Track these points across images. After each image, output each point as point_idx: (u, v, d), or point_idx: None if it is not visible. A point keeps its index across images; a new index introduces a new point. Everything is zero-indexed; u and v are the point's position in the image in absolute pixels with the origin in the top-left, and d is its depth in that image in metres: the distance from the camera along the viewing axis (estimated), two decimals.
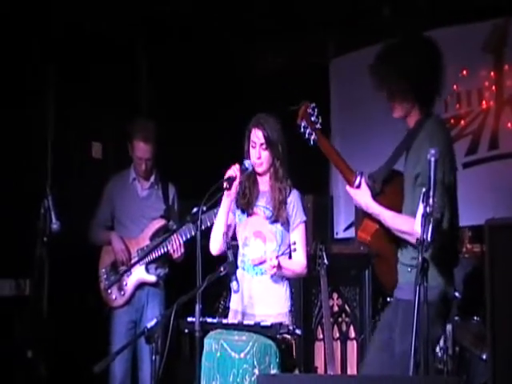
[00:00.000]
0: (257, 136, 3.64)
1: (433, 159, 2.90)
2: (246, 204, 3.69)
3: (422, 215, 2.84)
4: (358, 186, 3.25)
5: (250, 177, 3.70)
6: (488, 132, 5.17)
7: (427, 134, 3.19)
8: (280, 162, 3.66)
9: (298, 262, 3.70)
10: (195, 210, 3.47)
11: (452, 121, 5.31)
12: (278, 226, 3.67)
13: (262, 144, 3.63)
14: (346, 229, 5.71)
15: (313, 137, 3.49)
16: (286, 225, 3.67)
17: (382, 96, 3.28)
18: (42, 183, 4.70)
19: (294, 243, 3.66)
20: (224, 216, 3.67)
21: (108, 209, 4.62)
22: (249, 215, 3.71)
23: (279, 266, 3.54)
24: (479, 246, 4.90)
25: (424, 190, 2.87)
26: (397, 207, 3.23)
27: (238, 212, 3.73)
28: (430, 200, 2.84)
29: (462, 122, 5.29)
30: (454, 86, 5.28)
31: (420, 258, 2.80)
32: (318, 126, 3.49)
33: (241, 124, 3.76)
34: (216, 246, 3.69)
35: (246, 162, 3.62)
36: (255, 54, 5.92)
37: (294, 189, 3.73)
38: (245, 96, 5.59)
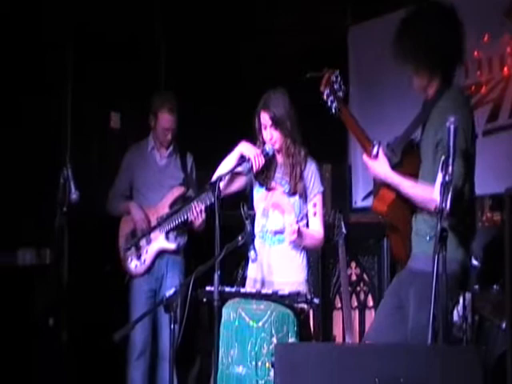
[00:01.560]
0: (264, 119, 3.67)
1: (452, 127, 2.85)
2: (264, 179, 3.73)
3: (441, 184, 2.80)
4: (376, 156, 3.20)
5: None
6: (509, 99, 5.06)
7: (448, 103, 3.13)
8: (290, 139, 3.68)
9: (315, 232, 3.70)
10: (214, 179, 3.48)
11: (473, 88, 5.22)
12: (296, 198, 3.69)
13: (271, 125, 3.66)
14: (365, 198, 5.66)
15: (335, 105, 3.42)
16: (304, 197, 3.69)
17: (404, 68, 3.22)
18: (61, 154, 4.72)
19: (314, 214, 3.66)
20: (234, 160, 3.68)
21: (126, 178, 4.64)
22: (267, 189, 3.74)
23: (299, 233, 3.53)
24: (499, 214, 4.84)
25: (443, 157, 2.82)
26: (415, 177, 3.19)
27: (257, 186, 3.76)
28: (449, 168, 2.80)
29: (483, 89, 5.19)
30: (475, 53, 5.18)
31: (439, 227, 2.77)
32: (341, 94, 3.42)
33: (260, 97, 3.75)
34: (221, 171, 3.68)
35: (267, 147, 3.67)
36: (274, 25, 5.83)
37: (310, 160, 3.74)
38: (262, 68, 5.52)
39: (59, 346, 3.82)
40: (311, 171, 3.71)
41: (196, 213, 4.29)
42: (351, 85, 5.89)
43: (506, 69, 5.10)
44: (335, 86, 3.43)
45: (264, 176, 3.73)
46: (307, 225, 3.71)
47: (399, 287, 3.26)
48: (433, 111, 3.17)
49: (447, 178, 2.80)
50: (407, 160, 3.23)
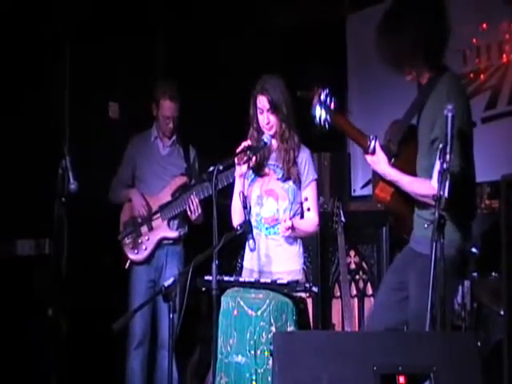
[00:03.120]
0: (263, 102, 3.65)
1: (450, 114, 2.84)
2: (257, 166, 3.72)
3: (439, 171, 2.80)
4: (373, 152, 3.18)
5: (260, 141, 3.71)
6: (508, 86, 5.06)
7: (441, 92, 3.11)
8: (286, 124, 3.67)
9: (310, 220, 3.70)
10: (211, 168, 3.47)
11: (471, 75, 5.21)
12: (290, 184, 3.68)
13: (268, 109, 3.65)
14: (364, 186, 5.67)
15: (324, 117, 3.32)
16: (298, 183, 3.68)
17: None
18: (59, 144, 4.69)
19: (306, 200, 3.65)
20: (240, 187, 3.70)
21: (129, 167, 4.64)
22: (260, 176, 3.73)
23: (292, 228, 3.54)
24: (498, 201, 4.84)
25: (441, 146, 2.81)
26: (414, 165, 3.18)
27: (250, 173, 3.74)
28: (447, 156, 2.79)
29: (482, 76, 5.18)
30: (474, 40, 5.17)
31: (437, 214, 2.76)
32: (333, 106, 3.36)
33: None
34: (237, 218, 3.72)
35: (265, 137, 3.64)
36: (272, 10, 5.80)
37: (303, 147, 3.73)
38: (261, 55, 5.49)
39: (59, 335, 3.82)
40: (305, 158, 3.71)
41: (193, 207, 4.29)
42: (350, 73, 5.89)
43: (504, 56, 5.09)
44: (326, 101, 3.35)
45: (257, 163, 3.71)
46: (302, 213, 3.69)
47: (402, 264, 3.27)
48: (427, 100, 3.15)
49: (445, 166, 2.79)
50: (406, 149, 3.22)
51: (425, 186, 3.05)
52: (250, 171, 3.73)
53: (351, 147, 5.73)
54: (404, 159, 3.20)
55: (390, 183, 3.20)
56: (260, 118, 3.69)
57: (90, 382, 4.58)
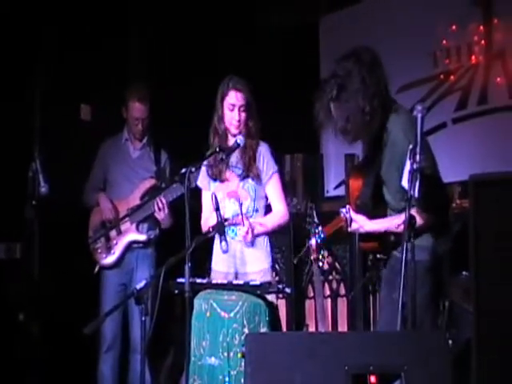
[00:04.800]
0: (236, 98, 3.65)
1: (419, 115, 2.86)
2: (217, 173, 3.72)
3: (409, 171, 2.82)
4: (351, 221, 3.20)
5: (223, 138, 3.70)
6: (477, 87, 5.11)
7: (394, 138, 3.10)
8: (254, 121, 3.69)
9: (278, 213, 3.70)
10: (184, 170, 3.44)
11: (442, 76, 5.25)
12: (250, 181, 3.69)
13: (241, 106, 3.65)
14: (337, 187, 5.68)
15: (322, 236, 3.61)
16: (258, 179, 3.68)
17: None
18: (29, 146, 4.65)
19: (273, 194, 3.67)
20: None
21: (101, 170, 4.62)
22: (221, 181, 3.74)
23: (252, 231, 3.55)
24: (468, 201, 4.87)
25: (411, 146, 2.83)
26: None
27: (210, 181, 3.76)
28: (417, 156, 2.81)
29: (452, 77, 5.23)
30: (444, 41, 5.21)
31: (407, 214, 2.79)
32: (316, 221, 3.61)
33: None
34: (207, 224, 3.71)
35: (238, 138, 3.58)
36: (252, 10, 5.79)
37: (261, 142, 3.74)
38: (237, 55, 5.48)
39: (30, 340, 3.79)
40: (263, 152, 3.71)
41: (159, 206, 4.27)
42: (322, 75, 5.89)
43: (473, 57, 5.14)
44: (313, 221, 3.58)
45: (217, 170, 3.72)
46: (266, 208, 3.70)
47: (386, 275, 3.30)
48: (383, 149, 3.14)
49: (415, 166, 2.81)
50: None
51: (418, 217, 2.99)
52: (210, 179, 3.75)
53: (324, 148, 5.75)
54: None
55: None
56: (229, 114, 3.67)
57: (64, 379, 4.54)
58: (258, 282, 3.42)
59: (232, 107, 3.66)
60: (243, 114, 3.67)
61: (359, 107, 3.07)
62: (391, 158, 3.13)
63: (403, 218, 2.89)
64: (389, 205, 3.23)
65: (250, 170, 3.67)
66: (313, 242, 3.76)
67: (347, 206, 3.23)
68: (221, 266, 3.74)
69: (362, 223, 3.21)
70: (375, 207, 3.24)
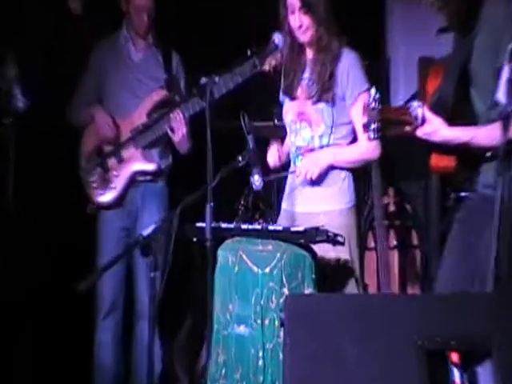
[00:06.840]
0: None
1: None
2: (289, 86, 3.84)
3: (508, 80, 2.77)
4: (423, 122, 3.15)
5: (294, 49, 3.82)
6: None
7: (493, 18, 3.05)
8: (324, 27, 3.73)
9: (363, 145, 3.71)
10: (203, 80, 3.48)
11: None
12: (323, 105, 3.75)
13: (300, 8, 3.71)
14: (407, 101, 5.66)
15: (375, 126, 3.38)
16: (339, 101, 3.75)
17: None
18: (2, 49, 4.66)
19: (357, 121, 3.67)
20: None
21: (93, 81, 4.65)
22: (292, 99, 3.85)
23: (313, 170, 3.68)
24: None
25: (510, 46, 2.77)
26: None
27: (282, 96, 3.91)
28: None
29: None
30: None
31: (503, 138, 2.75)
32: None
33: None
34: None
35: (276, 37, 3.69)
36: None
37: (346, 50, 3.77)
38: None
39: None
40: (347, 65, 3.75)
41: (176, 125, 4.28)
42: None
43: None
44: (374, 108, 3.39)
45: (290, 82, 3.83)
46: (354, 136, 3.77)
47: (468, 216, 3.26)
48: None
49: None
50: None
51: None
52: (282, 94, 3.88)
53: (392, 52, 5.74)
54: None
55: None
56: (291, 19, 3.75)
57: (53, 356, 4.65)
58: (301, 228, 3.42)
59: (292, 10, 3.74)
60: (305, 19, 3.72)
61: None
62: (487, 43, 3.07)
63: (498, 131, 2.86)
64: (477, 116, 3.17)
65: (323, 92, 3.74)
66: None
67: (420, 102, 3.19)
68: (285, 203, 3.87)
69: (437, 126, 3.16)
70: (457, 113, 3.18)
